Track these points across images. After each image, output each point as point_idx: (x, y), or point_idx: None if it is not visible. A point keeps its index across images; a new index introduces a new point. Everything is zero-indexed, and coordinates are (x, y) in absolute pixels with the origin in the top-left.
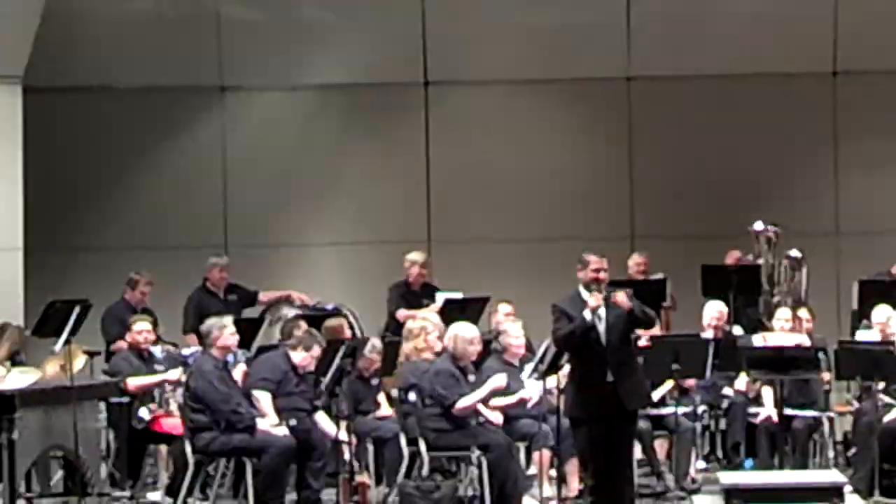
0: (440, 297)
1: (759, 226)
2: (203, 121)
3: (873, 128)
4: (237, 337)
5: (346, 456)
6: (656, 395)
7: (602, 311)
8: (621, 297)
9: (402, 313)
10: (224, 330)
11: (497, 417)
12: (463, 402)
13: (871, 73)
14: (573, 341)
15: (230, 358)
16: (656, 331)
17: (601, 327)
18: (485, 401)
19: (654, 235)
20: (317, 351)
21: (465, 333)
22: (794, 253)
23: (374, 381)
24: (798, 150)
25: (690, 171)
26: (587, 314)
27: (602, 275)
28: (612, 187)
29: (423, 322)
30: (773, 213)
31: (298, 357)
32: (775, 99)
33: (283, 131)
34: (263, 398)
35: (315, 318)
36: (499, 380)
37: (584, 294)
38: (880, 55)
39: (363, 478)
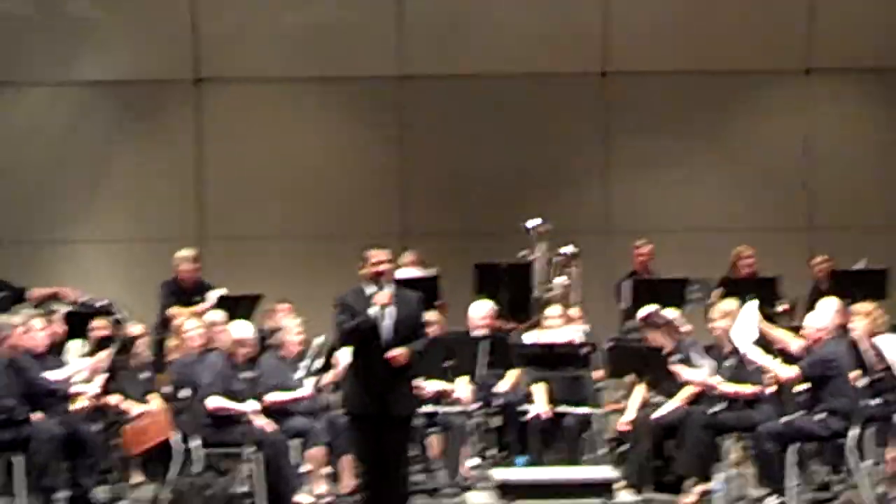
0: (212, 295)
1: (532, 223)
2: None
3: (642, 127)
4: (34, 336)
5: None
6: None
7: (388, 310)
8: (400, 355)
9: (171, 311)
10: (14, 331)
11: (270, 425)
12: (214, 402)
13: (640, 73)
14: (355, 337)
15: None
16: (435, 329)
17: (386, 325)
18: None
19: (427, 233)
20: (38, 324)
21: (234, 334)
22: (567, 249)
23: (144, 375)
24: (569, 148)
25: (463, 168)
26: (372, 311)
27: (384, 267)
28: (385, 185)
29: (182, 319)
30: (544, 211)
31: (30, 341)
32: (547, 98)
33: (51, 127)
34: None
35: (85, 314)
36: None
37: (368, 289)
38: (649, 56)
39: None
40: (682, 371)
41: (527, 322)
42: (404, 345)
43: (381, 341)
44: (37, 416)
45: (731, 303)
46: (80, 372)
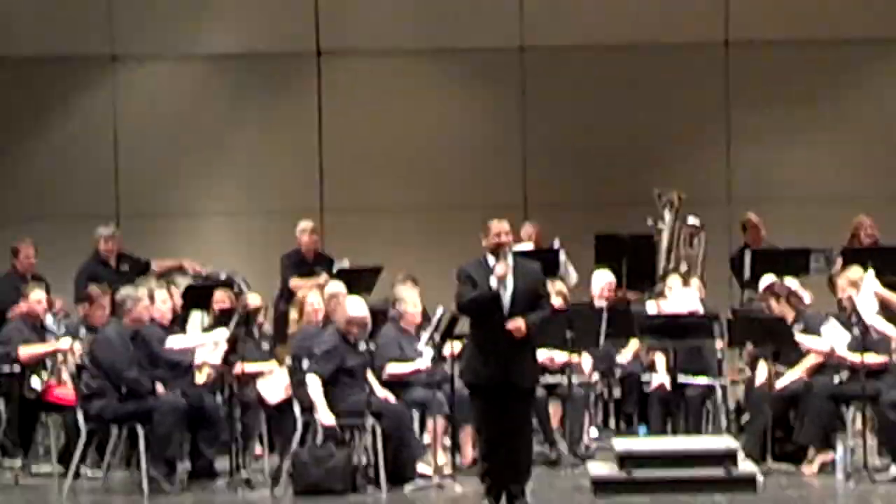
0: (334, 267)
1: (664, 191)
2: (94, 90)
3: (764, 97)
4: (153, 310)
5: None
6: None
7: (508, 281)
8: (515, 327)
9: (294, 282)
10: (139, 303)
11: (391, 396)
12: (309, 381)
13: (762, 42)
14: (476, 308)
15: None
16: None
17: (506, 297)
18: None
19: (549, 204)
20: (161, 296)
21: (348, 311)
22: (693, 220)
23: (265, 346)
24: (690, 119)
25: (583, 139)
26: (492, 282)
27: (504, 239)
28: (506, 156)
29: (305, 291)
30: (665, 182)
31: (154, 312)
32: (668, 68)
33: (174, 101)
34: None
35: (207, 286)
36: None
37: (490, 260)
38: (771, 24)
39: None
40: (805, 340)
41: (648, 292)
42: (525, 316)
43: (503, 312)
44: (160, 387)
45: (857, 272)
46: (205, 345)
